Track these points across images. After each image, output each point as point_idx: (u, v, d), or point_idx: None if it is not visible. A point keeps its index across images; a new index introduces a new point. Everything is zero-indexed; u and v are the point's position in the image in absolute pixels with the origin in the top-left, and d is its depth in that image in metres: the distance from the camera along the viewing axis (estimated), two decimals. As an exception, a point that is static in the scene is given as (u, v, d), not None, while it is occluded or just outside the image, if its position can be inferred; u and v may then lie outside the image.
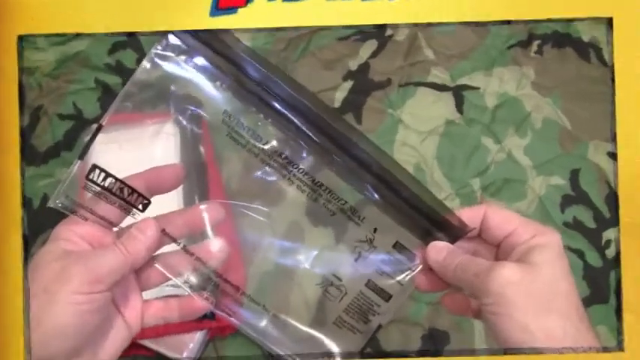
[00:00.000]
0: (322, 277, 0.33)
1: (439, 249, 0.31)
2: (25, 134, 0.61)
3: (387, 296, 0.33)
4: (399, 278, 0.33)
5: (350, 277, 0.33)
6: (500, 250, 0.31)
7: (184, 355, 0.48)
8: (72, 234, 0.28)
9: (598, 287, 0.54)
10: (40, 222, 0.57)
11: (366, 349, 0.33)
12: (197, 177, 0.52)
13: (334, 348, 0.33)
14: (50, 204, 0.29)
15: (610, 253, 0.56)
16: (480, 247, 0.33)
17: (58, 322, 0.25)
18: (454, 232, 0.32)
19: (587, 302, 0.53)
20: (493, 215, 0.31)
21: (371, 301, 0.33)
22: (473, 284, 0.29)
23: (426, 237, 0.32)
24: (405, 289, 0.33)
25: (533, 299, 0.27)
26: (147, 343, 0.49)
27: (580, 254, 0.55)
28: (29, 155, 0.60)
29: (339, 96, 0.64)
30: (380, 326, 0.33)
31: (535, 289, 0.27)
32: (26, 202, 0.57)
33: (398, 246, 0.33)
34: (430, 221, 0.32)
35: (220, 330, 0.50)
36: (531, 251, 0.28)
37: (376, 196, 0.32)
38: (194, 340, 0.49)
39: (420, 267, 0.33)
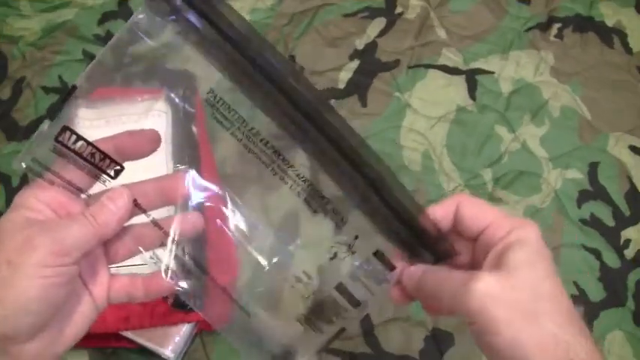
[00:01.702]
0: (292, 272, 0.32)
1: (412, 274, 0.29)
2: (6, 107, 0.58)
3: (355, 303, 0.31)
4: (372, 288, 0.30)
5: (321, 277, 0.31)
6: (477, 245, 0.29)
7: (169, 348, 0.46)
8: (35, 201, 0.26)
9: (615, 290, 0.51)
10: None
11: (324, 349, 0.32)
12: (189, 158, 0.49)
13: (292, 344, 0.32)
14: (14, 165, 0.27)
15: (629, 253, 0.52)
16: (459, 244, 0.30)
17: (22, 297, 0.24)
18: (437, 247, 0.29)
19: (603, 305, 0.50)
20: (465, 209, 0.28)
21: (338, 305, 0.31)
22: (452, 304, 0.27)
23: (411, 252, 0.30)
24: (376, 299, 0.31)
25: (516, 310, 0.25)
26: (130, 335, 0.46)
27: (596, 254, 0.52)
28: (10, 130, 0.56)
29: (343, 76, 0.60)
30: (343, 329, 0.31)
31: (517, 298, 0.25)
32: (4, 180, 0.54)
33: (378, 254, 0.30)
34: (413, 234, 0.29)
35: (209, 324, 0.48)
36: (508, 252, 0.26)
37: (361, 201, 0.29)
38: (180, 333, 0.46)
39: (396, 281, 0.30)
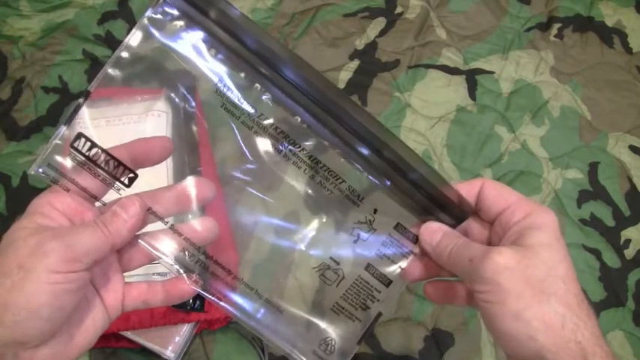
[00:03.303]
0: (319, 260, 0.32)
1: (433, 231, 0.30)
2: (6, 107, 0.58)
3: (387, 281, 0.31)
4: (400, 262, 0.31)
5: (348, 261, 0.31)
6: (493, 228, 0.30)
7: (169, 349, 0.46)
8: (50, 208, 0.26)
9: (615, 290, 0.51)
10: (19, 202, 0.54)
11: (365, 338, 0.31)
12: (189, 158, 0.49)
13: (331, 336, 0.31)
14: (31, 171, 0.27)
15: (629, 253, 0.53)
16: (475, 225, 0.31)
17: (33, 302, 0.24)
18: (458, 212, 0.30)
19: (603, 305, 0.50)
20: (488, 190, 0.29)
21: (370, 287, 0.31)
22: (466, 270, 0.27)
23: (429, 218, 0.31)
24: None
25: (529, 285, 0.25)
26: (130, 335, 0.46)
27: (597, 254, 0.52)
28: (10, 130, 0.56)
29: (343, 76, 0.60)
30: (380, 314, 0.31)
31: (531, 274, 0.25)
32: (4, 180, 0.54)
33: (399, 228, 0.31)
34: (433, 202, 0.30)
35: (209, 324, 0.48)
36: (527, 232, 0.27)
37: (377, 175, 0.30)
38: (180, 333, 0.46)
39: (420, 250, 0.31)
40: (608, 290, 0.51)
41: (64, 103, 0.57)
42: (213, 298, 0.30)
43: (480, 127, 0.58)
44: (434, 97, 0.59)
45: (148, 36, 0.28)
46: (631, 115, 0.59)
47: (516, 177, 0.55)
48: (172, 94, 0.33)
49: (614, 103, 0.59)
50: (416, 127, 0.58)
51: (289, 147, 0.29)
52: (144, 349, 0.46)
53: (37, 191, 0.28)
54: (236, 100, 0.29)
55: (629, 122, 0.58)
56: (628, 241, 0.53)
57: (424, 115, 0.58)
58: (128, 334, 0.46)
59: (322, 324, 0.32)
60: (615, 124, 0.58)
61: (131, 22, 0.62)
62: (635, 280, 0.51)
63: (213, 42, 0.29)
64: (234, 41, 0.28)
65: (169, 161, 0.48)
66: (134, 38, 0.28)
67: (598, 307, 0.50)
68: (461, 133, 0.57)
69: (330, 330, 0.31)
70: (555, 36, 0.63)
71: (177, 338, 0.46)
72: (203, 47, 0.29)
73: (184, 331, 0.46)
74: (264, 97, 0.29)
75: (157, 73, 0.30)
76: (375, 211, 0.31)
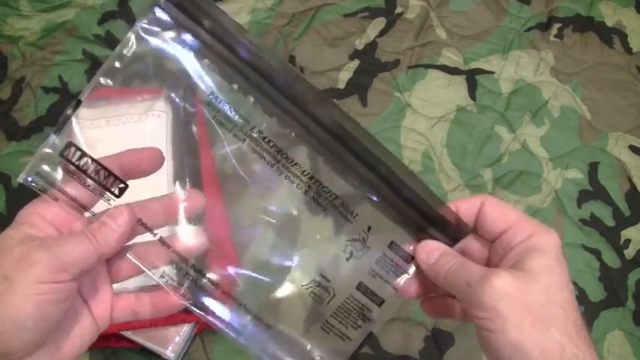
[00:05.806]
0: (309, 277, 0.31)
1: (431, 250, 0.29)
2: (6, 107, 0.58)
3: (379, 301, 0.30)
4: (393, 282, 0.30)
5: (340, 278, 0.31)
6: (494, 247, 0.29)
7: (169, 349, 0.46)
8: (38, 218, 0.26)
9: (615, 290, 0.51)
10: (19, 202, 0.54)
11: (355, 357, 0.31)
12: (189, 160, 0.49)
13: (320, 355, 0.31)
14: (19, 179, 0.27)
15: (629, 253, 0.53)
16: (475, 243, 0.30)
17: (18, 313, 0.23)
18: (454, 232, 0.29)
19: (603, 305, 0.50)
20: (490, 209, 0.29)
21: (362, 306, 0.30)
22: (463, 292, 0.27)
23: (424, 237, 0.30)
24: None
25: (528, 312, 0.25)
26: (130, 335, 0.46)
27: (597, 254, 0.52)
28: (10, 130, 0.56)
29: (343, 76, 0.60)
30: (370, 334, 0.31)
31: (531, 301, 0.25)
32: (4, 180, 0.54)
33: (394, 246, 0.30)
34: (428, 220, 0.29)
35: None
36: (528, 255, 0.26)
37: (372, 192, 0.29)
38: (180, 333, 0.46)
39: (415, 270, 0.30)
40: (608, 290, 0.51)
41: (64, 103, 0.57)
42: (200, 312, 0.30)
43: (480, 127, 0.58)
44: (434, 97, 0.59)
45: (141, 45, 0.28)
46: (631, 115, 0.59)
47: (516, 177, 0.55)
48: (172, 94, 0.33)
49: (614, 103, 0.59)
50: (416, 127, 0.58)
51: (282, 161, 0.29)
52: (144, 349, 0.46)
53: (37, 192, 0.28)
54: (228, 112, 0.28)
55: (629, 122, 0.58)
56: (628, 241, 0.53)
57: (424, 115, 0.58)
58: (128, 334, 0.46)
59: (311, 342, 0.31)
60: (615, 124, 0.58)
61: (131, 22, 0.61)
62: (635, 280, 0.51)
63: (206, 52, 0.28)
64: (228, 51, 0.28)
65: (169, 160, 0.48)
66: (127, 47, 0.27)
67: (598, 307, 0.50)
68: (461, 133, 0.57)
69: (319, 348, 0.31)
70: (555, 36, 0.63)
71: (177, 338, 0.46)
72: (196, 57, 0.28)
73: (184, 331, 0.46)
74: (256, 109, 0.28)
75: (157, 73, 0.30)
76: (369, 228, 0.30)
